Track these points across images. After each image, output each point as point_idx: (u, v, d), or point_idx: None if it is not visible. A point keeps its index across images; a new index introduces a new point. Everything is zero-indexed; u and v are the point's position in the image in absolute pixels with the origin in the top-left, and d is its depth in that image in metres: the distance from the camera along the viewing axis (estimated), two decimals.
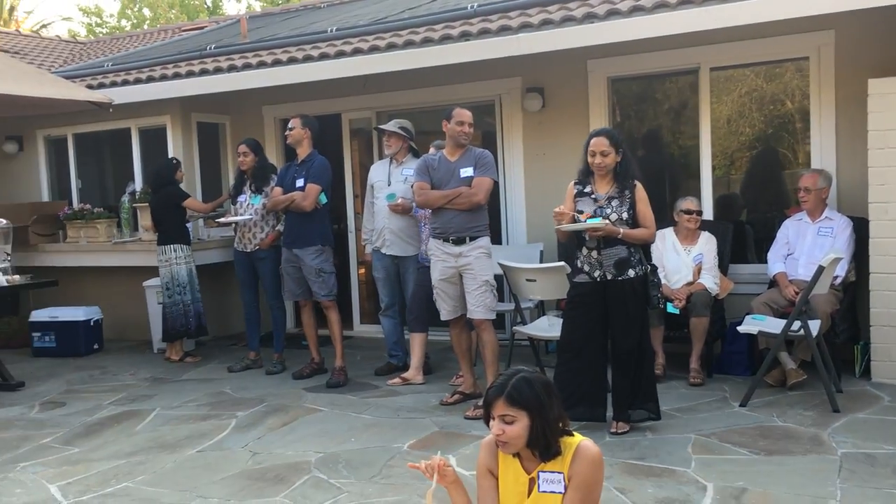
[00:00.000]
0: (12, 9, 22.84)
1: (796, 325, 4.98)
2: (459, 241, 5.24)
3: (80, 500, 3.99)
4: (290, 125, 6.32)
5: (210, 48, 8.10)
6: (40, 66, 9.34)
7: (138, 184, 8.19)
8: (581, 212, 4.62)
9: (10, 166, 8.99)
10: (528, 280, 5.51)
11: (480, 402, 5.07)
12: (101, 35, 20.81)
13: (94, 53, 11.01)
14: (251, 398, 5.81)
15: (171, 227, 6.98)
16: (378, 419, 5.17)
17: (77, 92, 6.89)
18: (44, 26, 23.62)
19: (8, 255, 6.59)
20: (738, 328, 5.32)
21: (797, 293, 5.30)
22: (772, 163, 6.57)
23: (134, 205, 7.92)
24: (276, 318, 6.77)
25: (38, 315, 7.81)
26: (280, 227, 6.57)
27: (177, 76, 7.54)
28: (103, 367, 7.16)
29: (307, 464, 4.37)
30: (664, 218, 5.92)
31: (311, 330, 6.41)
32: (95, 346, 7.79)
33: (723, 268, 6.02)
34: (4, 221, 6.65)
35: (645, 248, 4.86)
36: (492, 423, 2.56)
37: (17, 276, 6.64)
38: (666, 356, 5.84)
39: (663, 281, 5.77)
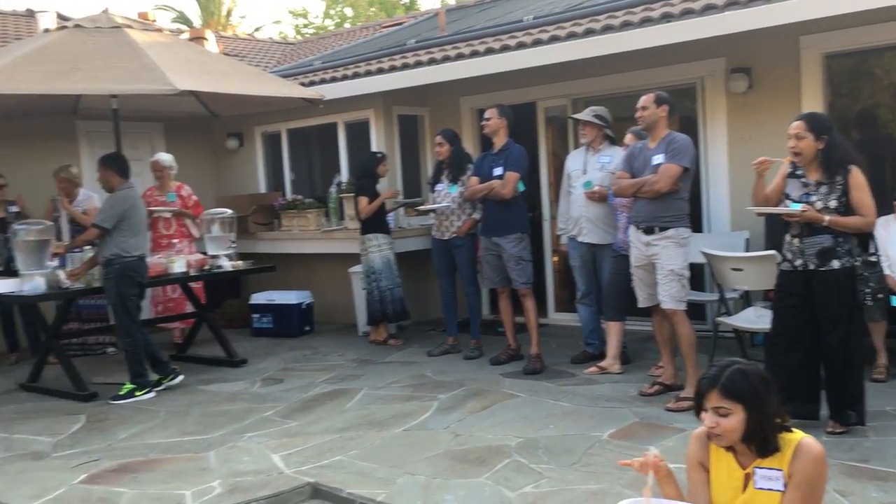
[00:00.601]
0: (229, 13, 24.75)
1: None
2: (648, 231, 5.15)
3: (300, 471, 4.29)
4: (486, 115, 6.43)
5: (410, 43, 8.39)
6: (256, 66, 10.06)
7: (344, 175, 8.65)
8: (787, 195, 4.41)
9: (232, 161, 9.78)
10: (733, 269, 5.30)
11: (682, 394, 4.98)
12: (307, 35, 22.11)
13: (303, 53, 11.71)
14: (451, 382, 6.00)
15: (370, 217, 7.28)
16: (576, 407, 5.17)
17: (294, 90, 7.36)
18: (256, 29, 25.43)
19: (233, 242, 7.17)
20: None
21: None
22: None
23: (340, 195, 8.38)
24: (473, 305, 6.93)
25: (257, 298, 8.45)
26: (476, 215, 6.72)
27: (380, 71, 7.88)
28: (314, 347, 7.64)
29: (507, 448, 4.46)
30: (886, 203, 5.47)
31: (509, 317, 6.50)
32: (307, 328, 8.33)
33: None
34: (229, 211, 7.23)
35: (863, 238, 4.52)
36: (704, 414, 2.50)
37: (240, 262, 7.21)
38: (891, 354, 5.40)
39: (887, 271, 5.35)
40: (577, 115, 6.41)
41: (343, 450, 4.59)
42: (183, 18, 24.00)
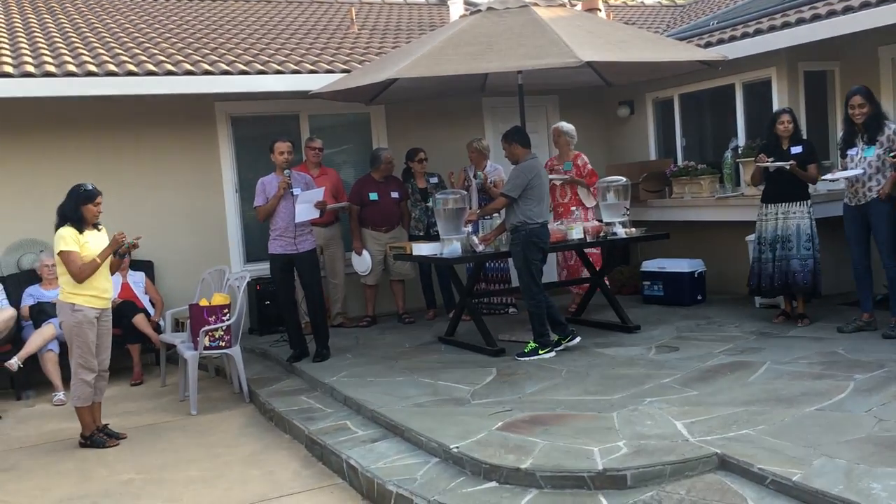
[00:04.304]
0: None
1: None
2: None
3: (705, 440, 4.22)
4: None
5: None
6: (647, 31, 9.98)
7: (741, 139, 8.26)
8: None
9: (623, 129, 9.86)
10: None
11: None
12: None
13: (695, 14, 11.34)
14: (868, 361, 5.46)
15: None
16: None
17: (694, 52, 7.18)
18: None
19: (627, 209, 7.25)
20: None
21: None
22: None
23: (737, 160, 8.02)
24: (893, 278, 6.22)
25: (648, 265, 8.47)
26: None
27: (785, 25, 7.34)
28: (708, 317, 7.46)
29: None
30: None
31: None
32: (699, 297, 8.15)
33: None
34: (624, 179, 7.31)
35: None
36: None
37: (633, 229, 7.27)
38: None
39: None
40: None
41: (749, 424, 4.43)
42: None
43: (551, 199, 7.99)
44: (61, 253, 5.31)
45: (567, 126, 7.93)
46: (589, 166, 7.92)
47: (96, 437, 5.54)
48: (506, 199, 6.35)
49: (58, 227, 5.39)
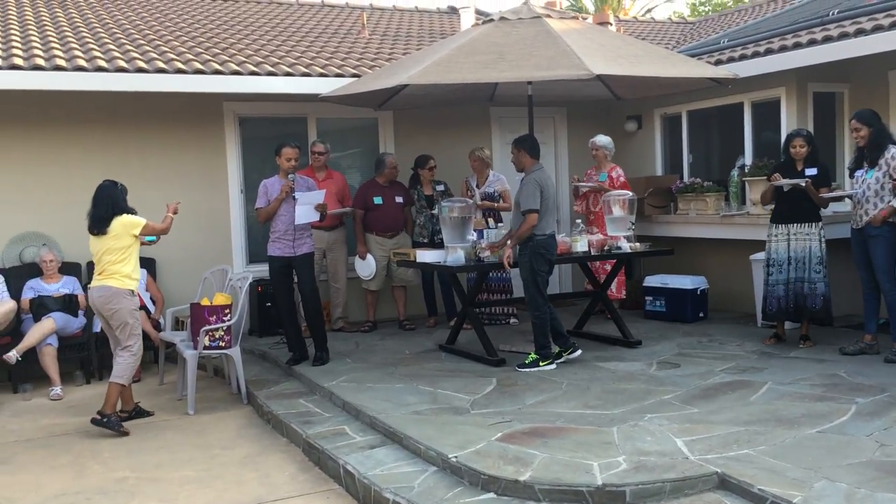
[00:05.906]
0: None
1: None
2: None
3: (705, 458, 4.20)
4: None
5: (832, 13, 7.70)
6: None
7: (748, 158, 8.26)
8: None
9: (630, 143, 9.84)
10: None
11: None
12: (705, 13, 21.41)
13: (704, 32, 11.37)
14: (870, 385, 5.45)
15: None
16: None
17: (705, 70, 7.18)
18: (648, 10, 25.22)
19: (632, 223, 7.24)
20: None
21: None
22: None
23: (743, 179, 8.01)
24: (892, 304, 6.20)
25: (651, 281, 8.45)
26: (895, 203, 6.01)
27: (796, 46, 7.34)
28: (709, 335, 7.43)
29: None
30: None
31: None
32: (701, 314, 8.13)
33: None
34: (630, 193, 7.30)
35: None
36: None
37: (637, 244, 7.26)
38: None
39: None
40: None
41: (750, 444, 4.41)
42: (577, 6, 24.63)
43: (585, 207, 8.28)
44: (145, 227, 5.79)
45: (602, 139, 8.25)
46: (622, 179, 8.15)
47: (112, 419, 5.60)
48: (536, 214, 6.14)
49: (108, 219, 5.70)
